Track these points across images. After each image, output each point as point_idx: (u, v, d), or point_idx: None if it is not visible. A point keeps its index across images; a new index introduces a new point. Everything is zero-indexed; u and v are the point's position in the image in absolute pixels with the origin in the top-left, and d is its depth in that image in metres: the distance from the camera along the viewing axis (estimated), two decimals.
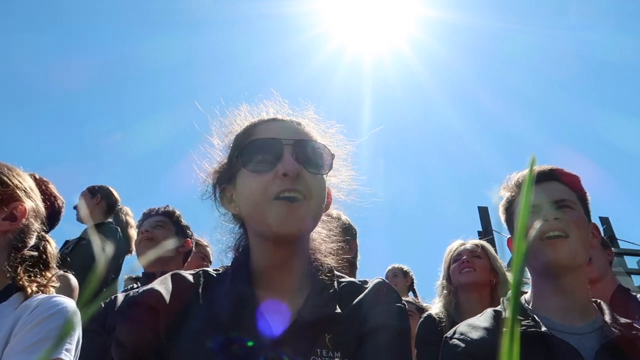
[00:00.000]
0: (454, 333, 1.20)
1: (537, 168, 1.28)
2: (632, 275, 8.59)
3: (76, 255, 2.60)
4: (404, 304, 0.95)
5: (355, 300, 0.91)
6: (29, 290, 1.12)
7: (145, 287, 0.91)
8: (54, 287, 1.22)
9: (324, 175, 0.94)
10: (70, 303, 1.13)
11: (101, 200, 3.09)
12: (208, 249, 2.69)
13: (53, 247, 1.31)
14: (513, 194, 1.33)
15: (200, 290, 0.91)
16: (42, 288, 1.17)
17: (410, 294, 3.73)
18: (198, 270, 0.98)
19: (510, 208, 1.33)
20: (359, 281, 0.98)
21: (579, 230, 1.18)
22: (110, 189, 3.20)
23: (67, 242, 2.99)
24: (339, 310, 0.88)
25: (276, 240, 0.89)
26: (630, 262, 9.09)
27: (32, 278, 1.17)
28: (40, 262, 1.22)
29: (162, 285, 0.89)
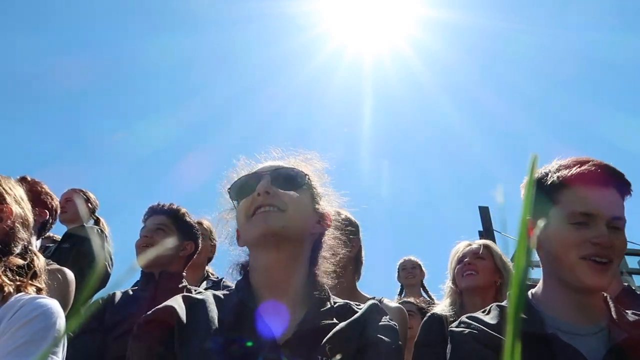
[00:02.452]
0: (459, 323, 1.18)
1: (603, 164, 1.12)
2: (632, 275, 8.60)
3: (65, 259, 2.52)
4: (396, 324, 1.06)
5: (353, 318, 1.02)
6: (6, 290, 1.08)
7: (158, 306, 0.99)
8: (40, 289, 1.17)
9: (304, 194, 1.10)
10: (54, 304, 1.10)
11: (84, 202, 3.06)
12: (205, 224, 2.62)
13: (41, 261, 1.26)
14: (553, 177, 1.13)
15: (208, 306, 1.00)
16: (23, 289, 1.12)
17: (421, 290, 3.78)
18: (206, 291, 1.10)
19: (543, 186, 1.15)
20: (354, 303, 1.10)
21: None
22: (90, 193, 3.18)
23: (46, 247, 2.89)
24: (336, 321, 0.99)
25: (262, 243, 1.04)
26: (631, 262, 9.09)
27: (13, 278, 1.13)
28: (27, 272, 1.18)
29: (174, 302, 0.99)
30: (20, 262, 1.18)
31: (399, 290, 3.80)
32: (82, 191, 3.15)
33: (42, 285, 1.20)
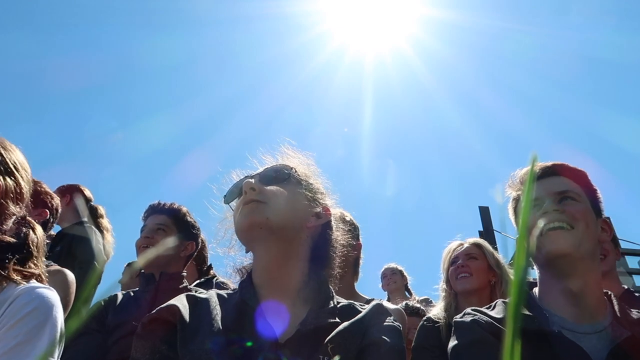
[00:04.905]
0: (464, 314, 1.18)
1: (540, 164, 1.25)
2: (633, 275, 8.60)
3: (62, 259, 2.47)
4: (400, 325, 1.05)
5: (356, 317, 1.00)
6: None
7: (162, 305, 0.99)
8: (37, 277, 1.08)
9: (291, 186, 1.10)
10: (51, 296, 1.02)
11: (71, 201, 2.95)
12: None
13: (38, 234, 1.13)
14: (519, 192, 1.29)
15: (211, 305, 1.01)
16: (15, 277, 1.03)
17: (406, 293, 3.96)
18: (210, 290, 1.10)
19: (517, 207, 1.29)
20: (358, 304, 1.09)
21: (584, 222, 1.12)
22: (81, 187, 3.08)
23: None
24: (339, 320, 0.98)
25: (250, 238, 1.06)
26: (631, 262, 9.09)
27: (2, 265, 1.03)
28: (20, 251, 1.07)
29: (178, 301, 0.99)
30: (10, 240, 1.08)
31: (385, 298, 3.90)
32: (77, 187, 3.08)
33: (37, 271, 1.08)
